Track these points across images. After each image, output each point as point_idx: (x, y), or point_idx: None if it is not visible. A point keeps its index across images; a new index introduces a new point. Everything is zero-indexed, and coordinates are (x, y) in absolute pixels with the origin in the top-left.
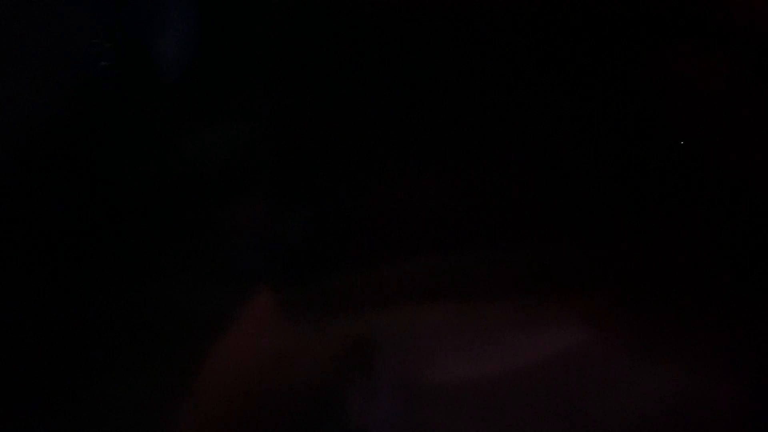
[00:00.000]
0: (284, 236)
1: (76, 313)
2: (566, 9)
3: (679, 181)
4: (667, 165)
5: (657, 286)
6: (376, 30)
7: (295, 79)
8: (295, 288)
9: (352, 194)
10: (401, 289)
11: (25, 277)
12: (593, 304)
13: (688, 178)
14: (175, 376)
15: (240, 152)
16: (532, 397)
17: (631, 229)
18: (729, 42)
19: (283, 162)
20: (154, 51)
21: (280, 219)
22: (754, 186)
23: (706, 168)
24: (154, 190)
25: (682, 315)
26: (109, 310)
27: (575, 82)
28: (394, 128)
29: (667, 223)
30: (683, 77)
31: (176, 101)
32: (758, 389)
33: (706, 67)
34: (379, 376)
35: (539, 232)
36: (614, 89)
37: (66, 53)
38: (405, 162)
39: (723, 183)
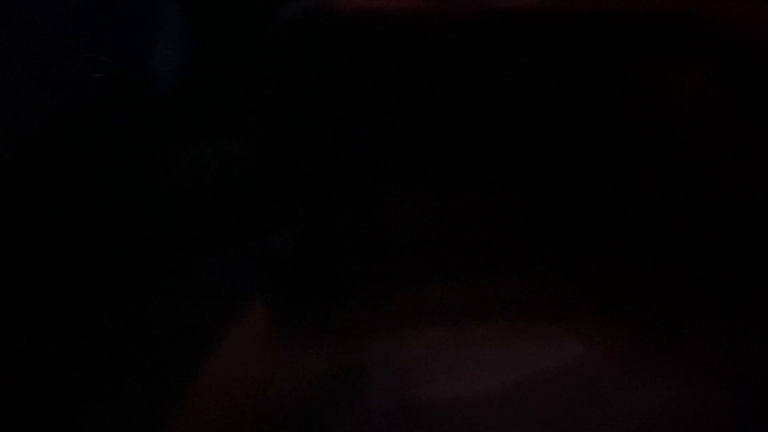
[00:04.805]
0: (277, 253)
1: (72, 324)
2: (559, 27)
3: (675, 196)
4: (664, 180)
5: (656, 300)
6: (375, 50)
7: (292, 94)
8: (288, 306)
9: (347, 212)
10: (394, 307)
11: (22, 291)
12: (590, 320)
13: (683, 192)
14: (165, 391)
15: (234, 168)
16: (529, 414)
17: (628, 242)
18: (718, 56)
19: (277, 178)
20: (149, 64)
21: (273, 235)
22: (752, 200)
23: (703, 183)
24: (147, 204)
25: (683, 330)
26: (106, 322)
27: (567, 104)
28: (389, 147)
29: (665, 236)
30: (677, 91)
31: (171, 115)
32: (759, 405)
33: (702, 80)
34: (372, 396)
35: (533, 249)
36: (608, 106)
37: (60, 66)
38: (400, 181)
39: (719, 197)
